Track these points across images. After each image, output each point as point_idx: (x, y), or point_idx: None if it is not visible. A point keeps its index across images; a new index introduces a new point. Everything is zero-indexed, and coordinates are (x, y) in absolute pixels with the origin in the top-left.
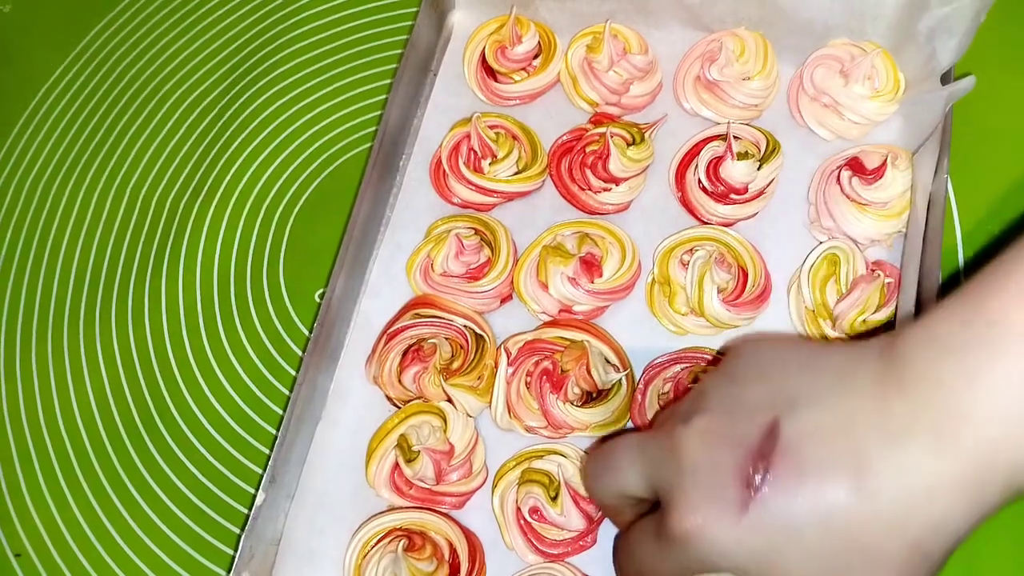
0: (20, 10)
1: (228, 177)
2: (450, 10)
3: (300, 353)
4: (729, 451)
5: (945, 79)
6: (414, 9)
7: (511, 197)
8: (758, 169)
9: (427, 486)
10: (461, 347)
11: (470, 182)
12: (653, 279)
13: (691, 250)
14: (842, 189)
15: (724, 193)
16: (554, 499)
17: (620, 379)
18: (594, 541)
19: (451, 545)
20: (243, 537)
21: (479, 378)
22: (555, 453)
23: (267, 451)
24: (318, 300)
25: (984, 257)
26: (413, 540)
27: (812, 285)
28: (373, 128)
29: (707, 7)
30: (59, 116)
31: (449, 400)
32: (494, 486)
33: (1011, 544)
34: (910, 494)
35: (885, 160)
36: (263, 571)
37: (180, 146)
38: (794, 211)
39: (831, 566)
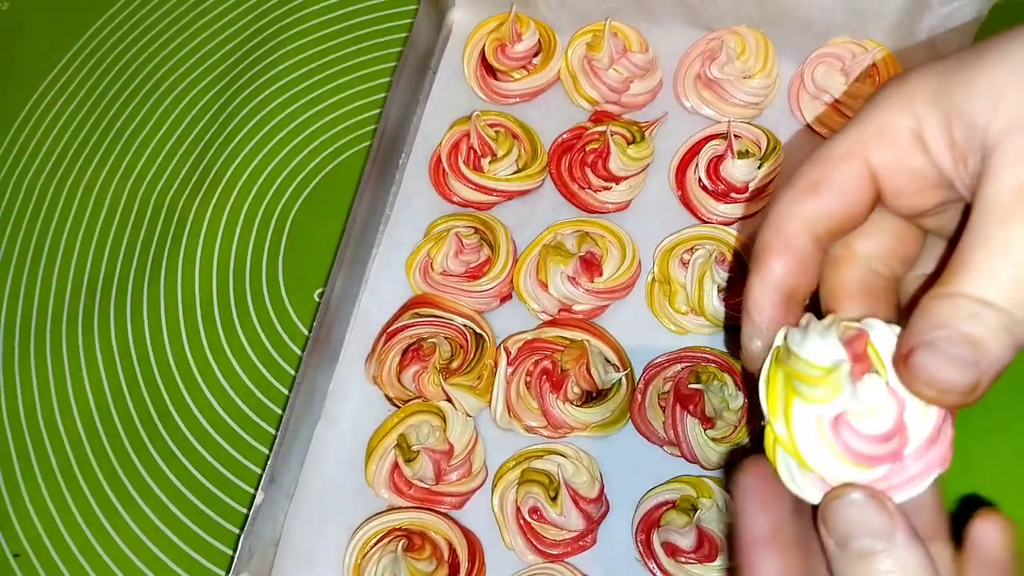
0: (18, 7)
1: (227, 175)
2: (450, 8)
3: (299, 352)
4: None
5: None
6: (414, 7)
7: (511, 196)
8: (759, 168)
9: (427, 486)
10: (461, 346)
11: (470, 181)
12: (653, 278)
13: (691, 249)
14: None
15: (725, 192)
16: (554, 499)
17: (620, 379)
18: (594, 541)
19: (451, 545)
20: (242, 536)
21: (479, 377)
22: (555, 453)
23: (266, 450)
24: (317, 299)
25: None
26: (413, 540)
27: None
28: (372, 126)
29: (707, 5)
30: (58, 113)
31: (448, 400)
32: (494, 486)
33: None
34: None
35: None
36: (262, 571)
37: (179, 144)
38: None
39: None
